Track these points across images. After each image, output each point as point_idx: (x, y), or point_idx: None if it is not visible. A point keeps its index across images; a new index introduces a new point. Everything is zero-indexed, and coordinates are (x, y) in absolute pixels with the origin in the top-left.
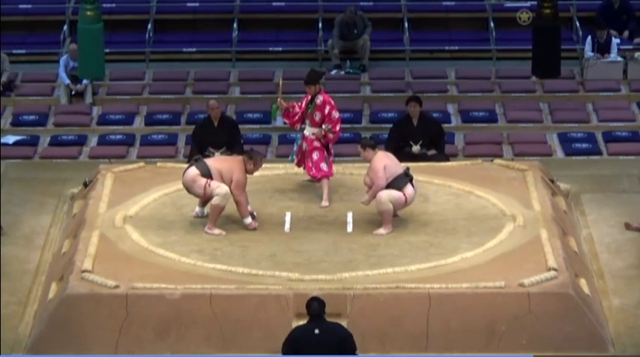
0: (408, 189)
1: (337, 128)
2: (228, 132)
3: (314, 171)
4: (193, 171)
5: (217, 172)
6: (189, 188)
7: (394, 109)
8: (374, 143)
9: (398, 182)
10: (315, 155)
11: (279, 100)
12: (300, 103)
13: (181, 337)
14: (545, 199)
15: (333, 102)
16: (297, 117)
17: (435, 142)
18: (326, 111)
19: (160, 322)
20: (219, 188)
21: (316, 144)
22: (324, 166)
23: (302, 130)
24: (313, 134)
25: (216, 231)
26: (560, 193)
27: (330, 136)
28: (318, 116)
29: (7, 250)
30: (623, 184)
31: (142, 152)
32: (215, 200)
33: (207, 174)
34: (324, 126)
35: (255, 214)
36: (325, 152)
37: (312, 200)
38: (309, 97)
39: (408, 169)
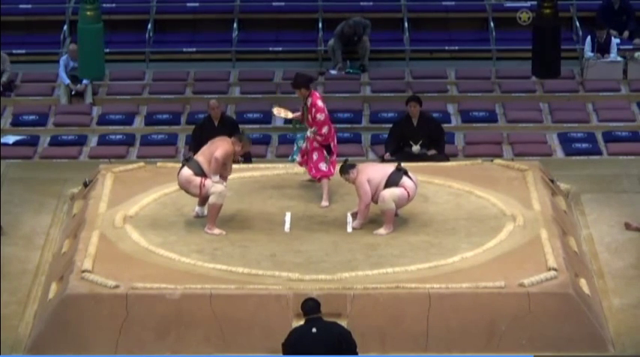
0: (407, 182)
1: (322, 131)
2: (228, 132)
3: (314, 171)
4: (186, 172)
5: (207, 163)
6: (185, 189)
7: (394, 109)
8: (352, 163)
9: (393, 179)
10: (315, 155)
11: (293, 115)
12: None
13: (181, 337)
14: (545, 199)
15: (320, 103)
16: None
17: (435, 142)
18: (313, 113)
19: (160, 322)
20: (214, 187)
21: (315, 144)
22: (323, 166)
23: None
24: (312, 134)
25: (217, 231)
26: (560, 193)
27: (318, 138)
28: (310, 118)
29: (7, 250)
30: (623, 184)
31: (142, 152)
32: (211, 199)
33: (199, 172)
34: (310, 129)
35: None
36: (325, 152)
37: (312, 200)
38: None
39: (399, 163)
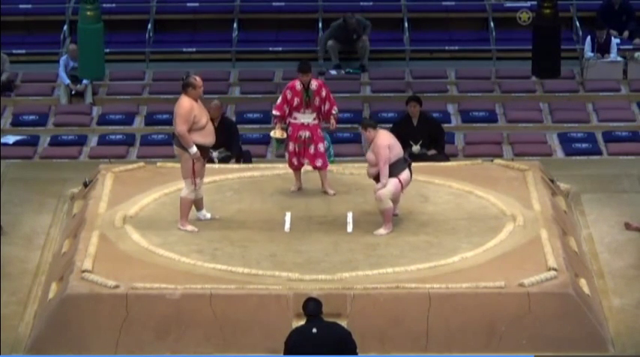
0: (404, 174)
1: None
2: (227, 133)
3: (320, 163)
4: (174, 148)
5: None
6: (179, 159)
7: (394, 109)
8: (375, 123)
9: (397, 167)
10: (321, 147)
11: (276, 131)
12: (285, 111)
13: (181, 337)
14: (545, 199)
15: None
16: (286, 112)
17: (435, 142)
18: (323, 94)
19: (160, 322)
20: (185, 180)
21: (320, 134)
22: (327, 157)
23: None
24: (315, 120)
25: (189, 227)
26: (560, 193)
27: (338, 116)
28: (317, 100)
29: (7, 250)
30: (623, 184)
31: (142, 152)
32: (182, 193)
33: (179, 145)
34: (333, 111)
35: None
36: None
37: (312, 200)
38: (300, 85)
39: (408, 154)
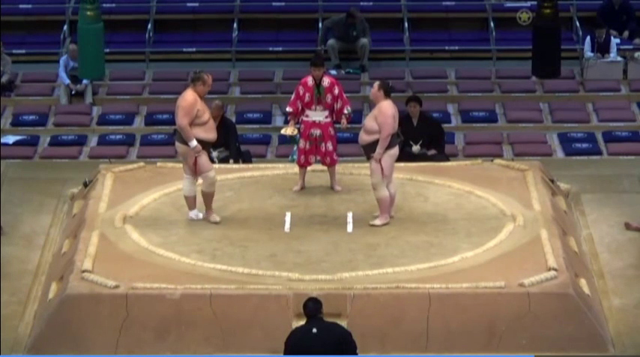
0: (395, 149)
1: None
2: (226, 134)
3: (333, 158)
4: (176, 144)
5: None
6: (183, 159)
7: None
8: (390, 91)
9: (392, 140)
10: (330, 145)
11: (287, 129)
12: (298, 107)
13: (181, 337)
14: (545, 199)
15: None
16: (300, 108)
17: (434, 142)
18: (335, 91)
19: (160, 322)
20: (203, 176)
21: (332, 132)
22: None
23: (299, 123)
24: (327, 118)
25: (216, 218)
26: (560, 193)
27: (350, 116)
28: (329, 98)
29: (7, 250)
30: (623, 184)
31: (142, 152)
32: (202, 188)
33: (182, 140)
34: (345, 111)
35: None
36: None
37: (312, 200)
38: (312, 81)
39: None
